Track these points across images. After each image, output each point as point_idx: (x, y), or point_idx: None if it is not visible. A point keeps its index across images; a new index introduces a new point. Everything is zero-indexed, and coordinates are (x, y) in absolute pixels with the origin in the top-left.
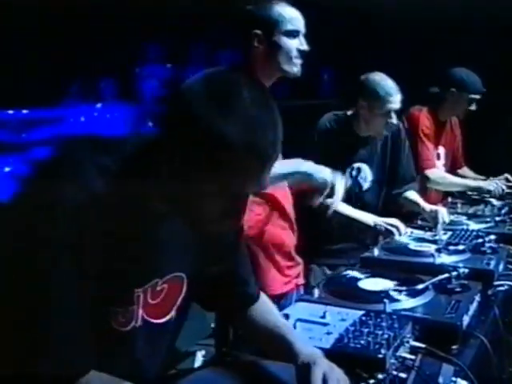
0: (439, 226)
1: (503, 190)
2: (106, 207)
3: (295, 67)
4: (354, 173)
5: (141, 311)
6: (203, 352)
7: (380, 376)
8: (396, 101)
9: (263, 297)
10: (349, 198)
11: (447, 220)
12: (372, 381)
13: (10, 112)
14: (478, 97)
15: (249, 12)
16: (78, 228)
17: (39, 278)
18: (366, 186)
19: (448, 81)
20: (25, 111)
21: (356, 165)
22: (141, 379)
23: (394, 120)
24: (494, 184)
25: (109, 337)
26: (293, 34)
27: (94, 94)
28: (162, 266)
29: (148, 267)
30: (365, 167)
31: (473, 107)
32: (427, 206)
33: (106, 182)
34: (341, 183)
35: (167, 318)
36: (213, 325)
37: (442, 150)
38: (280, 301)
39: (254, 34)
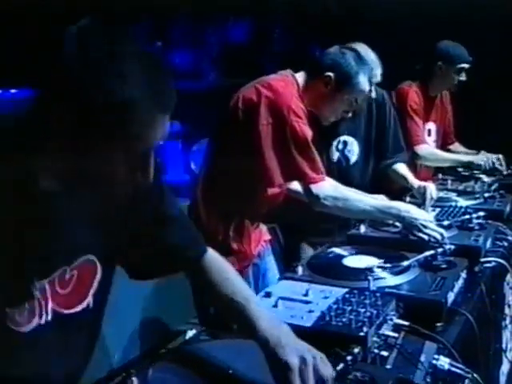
0: (427, 203)
1: (493, 163)
2: None
3: None
4: (340, 146)
5: (50, 304)
6: (194, 331)
7: (356, 350)
8: (377, 74)
9: (217, 262)
10: (336, 174)
11: (435, 196)
12: (349, 357)
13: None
14: (465, 66)
15: None
16: None
17: None
18: (353, 159)
19: (434, 55)
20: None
21: (342, 138)
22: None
23: (373, 94)
24: (485, 158)
25: (7, 340)
26: None
27: None
28: (66, 251)
29: (49, 255)
30: (351, 140)
31: (462, 77)
32: (415, 182)
33: None
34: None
35: (83, 305)
36: None
37: (432, 126)
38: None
39: None
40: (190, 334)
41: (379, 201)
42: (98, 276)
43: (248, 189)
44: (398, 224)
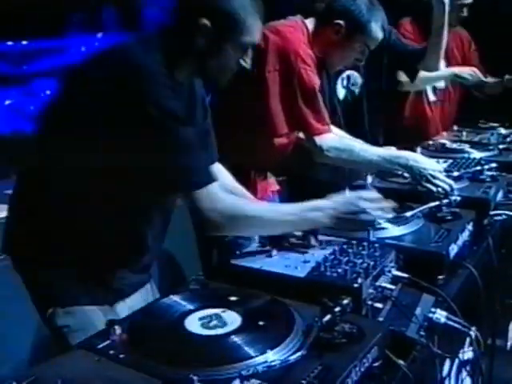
0: None
1: (482, 81)
2: None
3: None
4: (344, 82)
5: None
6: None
7: (345, 301)
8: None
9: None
10: (343, 112)
11: None
12: (337, 308)
13: (10, 43)
14: (468, 1)
15: None
16: None
17: None
18: (357, 91)
19: None
20: (24, 42)
21: (345, 74)
22: None
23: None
24: (472, 73)
25: None
26: None
27: (95, 24)
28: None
29: None
30: (353, 73)
31: (464, 13)
32: None
33: None
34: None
35: None
36: None
37: None
38: None
39: None
40: None
41: (386, 150)
42: None
43: (254, 138)
44: (406, 175)
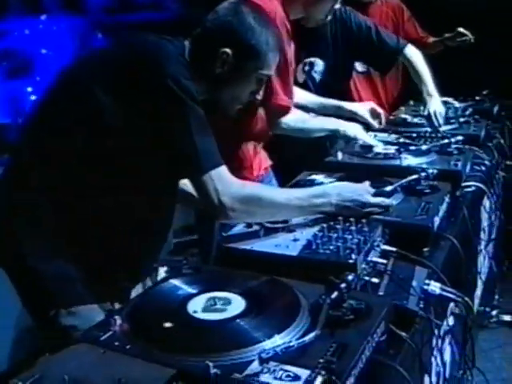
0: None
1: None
2: None
3: None
4: (306, 68)
5: None
6: (165, 268)
7: (350, 277)
8: None
9: None
10: None
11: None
12: (343, 285)
13: None
14: None
15: None
16: None
17: None
18: (318, 78)
19: None
20: None
21: (308, 60)
22: None
23: (338, 4)
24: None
25: None
26: None
27: (35, 6)
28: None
29: None
30: (317, 60)
31: None
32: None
33: None
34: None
35: None
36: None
37: None
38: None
39: None
40: (162, 270)
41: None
42: None
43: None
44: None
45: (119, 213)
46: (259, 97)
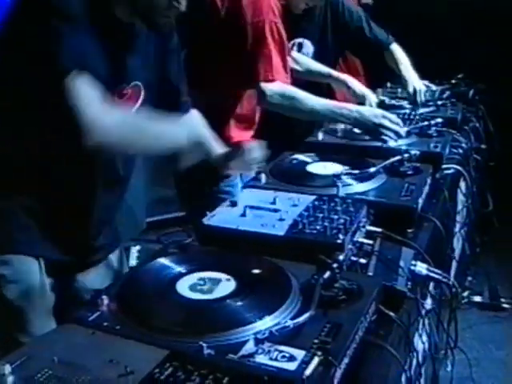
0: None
1: None
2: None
3: None
4: (295, 48)
5: None
6: (138, 247)
7: (341, 257)
8: None
9: None
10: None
11: (374, 104)
12: (335, 265)
13: None
14: None
15: None
16: None
17: None
18: None
19: None
20: None
21: (297, 40)
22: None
23: None
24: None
25: None
26: None
27: None
28: (127, 74)
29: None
30: (306, 42)
31: None
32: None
33: None
34: None
35: None
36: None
37: None
38: None
39: None
40: (134, 250)
41: (331, 101)
42: (142, 97)
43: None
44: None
45: (45, 151)
46: (182, 7)
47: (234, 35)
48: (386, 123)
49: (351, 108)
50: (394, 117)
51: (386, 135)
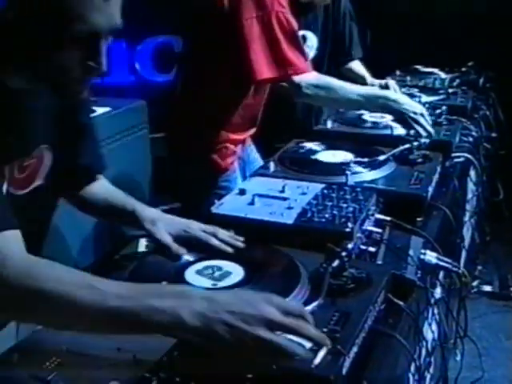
0: None
1: None
2: None
3: None
4: None
5: (5, 186)
6: (144, 240)
7: (350, 245)
8: None
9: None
10: None
11: (398, 90)
12: (344, 253)
13: None
14: None
15: None
16: None
17: None
18: (311, 54)
19: None
20: None
21: (301, 32)
22: None
23: None
24: None
25: None
26: None
27: None
28: (26, 143)
29: (12, 145)
30: (310, 34)
31: None
32: (375, 80)
33: None
34: None
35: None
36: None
37: None
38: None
39: None
40: (143, 240)
41: (368, 89)
42: (48, 161)
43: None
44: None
45: None
46: (104, 67)
47: (237, 31)
48: (422, 121)
49: (388, 96)
50: (429, 118)
51: (417, 130)
